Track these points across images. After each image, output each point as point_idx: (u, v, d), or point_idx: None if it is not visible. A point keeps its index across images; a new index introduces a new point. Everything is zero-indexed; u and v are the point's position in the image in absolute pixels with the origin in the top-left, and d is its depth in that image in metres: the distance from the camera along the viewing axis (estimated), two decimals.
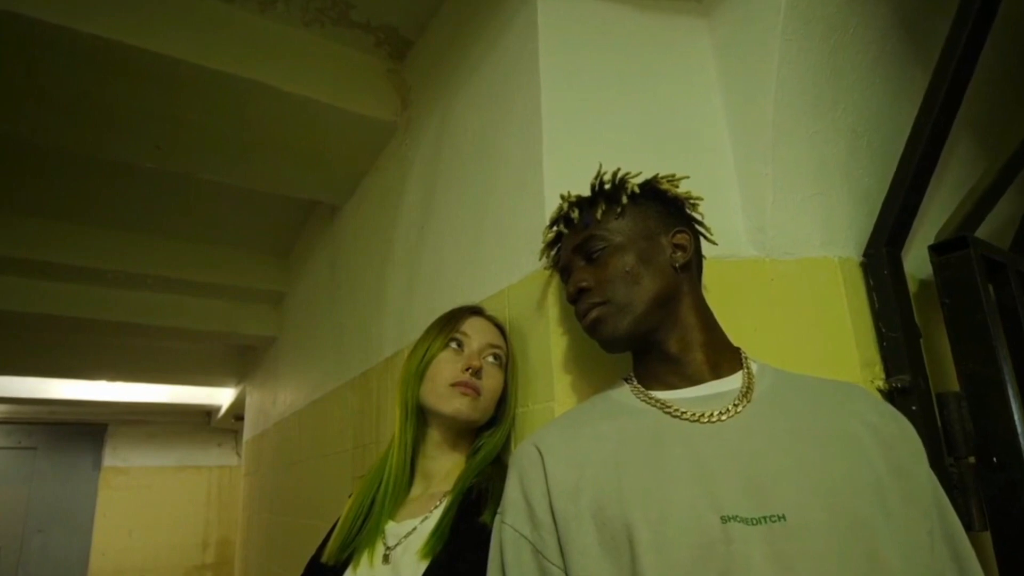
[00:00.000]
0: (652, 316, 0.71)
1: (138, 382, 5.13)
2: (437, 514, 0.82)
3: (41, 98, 1.54)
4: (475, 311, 1.00)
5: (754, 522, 0.56)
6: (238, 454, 6.69)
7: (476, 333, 0.95)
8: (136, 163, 1.84)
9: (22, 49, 1.37)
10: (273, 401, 3.22)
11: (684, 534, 0.57)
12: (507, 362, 0.97)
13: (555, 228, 0.82)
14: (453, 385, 0.89)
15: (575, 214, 0.77)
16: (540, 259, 0.89)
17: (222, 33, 1.48)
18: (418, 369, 0.93)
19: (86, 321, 2.97)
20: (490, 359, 0.94)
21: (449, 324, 0.96)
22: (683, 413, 0.66)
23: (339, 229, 2.22)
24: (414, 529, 0.82)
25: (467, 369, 0.90)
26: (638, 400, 0.71)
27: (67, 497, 6.18)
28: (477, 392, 0.90)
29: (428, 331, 0.97)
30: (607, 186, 0.77)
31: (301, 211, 2.61)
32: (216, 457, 6.94)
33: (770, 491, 0.58)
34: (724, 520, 0.56)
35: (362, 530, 0.87)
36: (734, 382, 0.70)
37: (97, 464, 6.39)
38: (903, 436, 0.66)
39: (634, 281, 0.71)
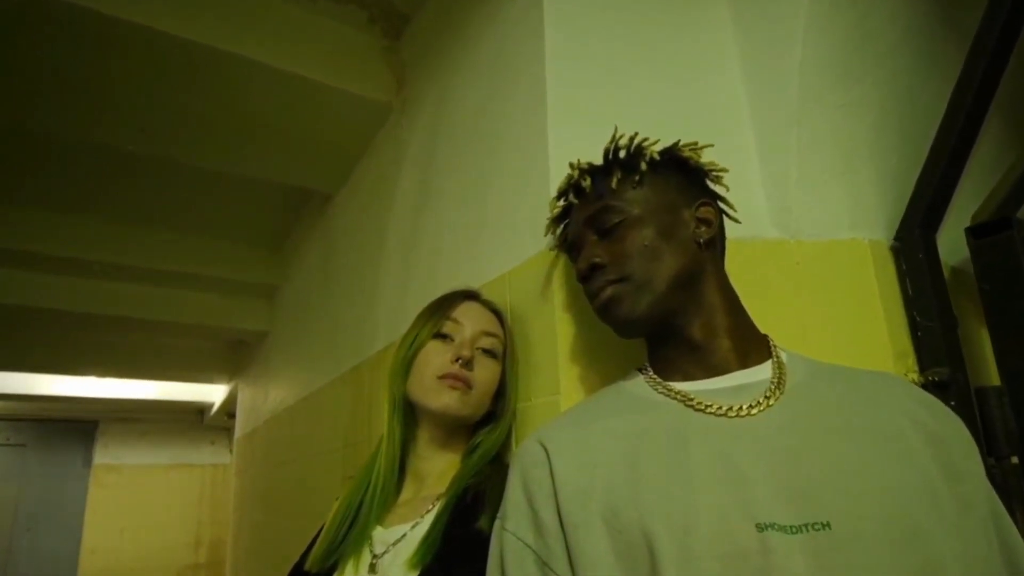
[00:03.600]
0: (674, 297, 0.63)
1: (129, 378, 5.04)
2: (429, 519, 0.74)
3: (15, 77, 1.45)
4: (469, 296, 0.91)
5: (794, 530, 0.49)
6: (231, 452, 6.59)
7: (468, 320, 0.86)
8: (119, 147, 1.75)
9: None
10: (264, 398, 3.13)
11: (714, 544, 0.49)
12: (505, 351, 0.88)
13: (563, 200, 0.74)
14: (441, 377, 0.81)
15: (587, 183, 0.69)
16: (545, 235, 0.81)
17: (207, 5, 1.39)
18: (404, 360, 0.85)
19: (71, 314, 2.88)
20: (484, 348, 0.85)
21: (439, 311, 0.87)
22: (708, 407, 0.58)
23: (332, 218, 2.14)
24: (403, 536, 0.74)
25: (456, 360, 0.81)
26: (655, 393, 0.63)
27: (57, 495, 6.07)
28: (467, 385, 0.82)
29: (417, 319, 0.89)
30: (622, 153, 0.69)
31: (295, 201, 2.52)
32: (209, 455, 6.84)
33: (812, 495, 0.50)
34: (760, 528, 0.49)
35: (348, 536, 0.79)
36: (763, 372, 0.62)
37: (88, 462, 6.28)
38: (955, 434, 0.58)
39: (654, 257, 0.63)
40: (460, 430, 0.87)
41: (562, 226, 0.77)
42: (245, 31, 1.42)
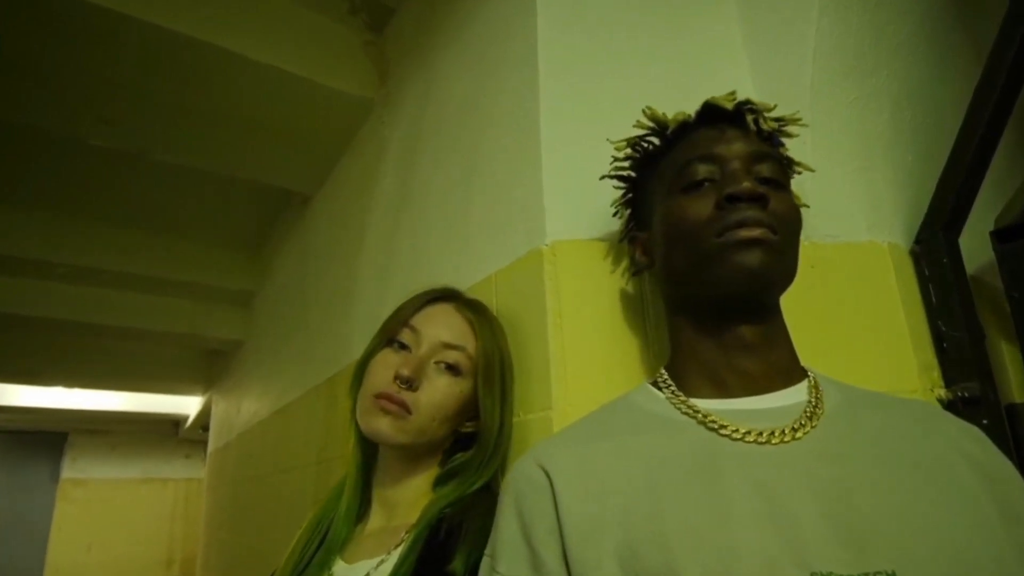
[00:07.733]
0: (786, 283, 0.57)
1: (99, 389, 4.84)
2: (395, 557, 0.63)
3: None
4: (440, 297, 0.78)
5: None
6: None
7: (428, 327, 0.73)
8: (81, 139, 1.64)
9: None
10: (237, 410, 3.00)
11: None
12: (479, 368, 0.73)
13: (693, 113, 0.62)
14: (376, 397, 0.69)
15: (769, 124, 0.59)
16: (623, 147, 0.66)
17: None
18: (356, 371, 0.74)
19: (36, 320, 2.72)
20: (445, 363, 0.71)
21: (399, 314, 0.75)
22: (746, 435, 0.49)
23: (311, 221, 2.04)
24: (367, 575, 0.64)
25: (395, 378, 0.69)
26: (675, 410, 0.54)
27: (21, 510, 5.81)
28: (405, 409, 0.68)
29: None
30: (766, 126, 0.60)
31: (273, 203, 2.41)
32: (183, 469, 6.60)
33: (871, 538, 0.42)
34: None
35: (308, 567, 0.69)
36: (799, 394, 0.54)
37: (55, 476, 6.03)
38: (1008, 470, 0.51)
39: (796, 236, 0.57)
40: (429, 452, 0.75)
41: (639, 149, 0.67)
42: (217, 18, 1.33)
